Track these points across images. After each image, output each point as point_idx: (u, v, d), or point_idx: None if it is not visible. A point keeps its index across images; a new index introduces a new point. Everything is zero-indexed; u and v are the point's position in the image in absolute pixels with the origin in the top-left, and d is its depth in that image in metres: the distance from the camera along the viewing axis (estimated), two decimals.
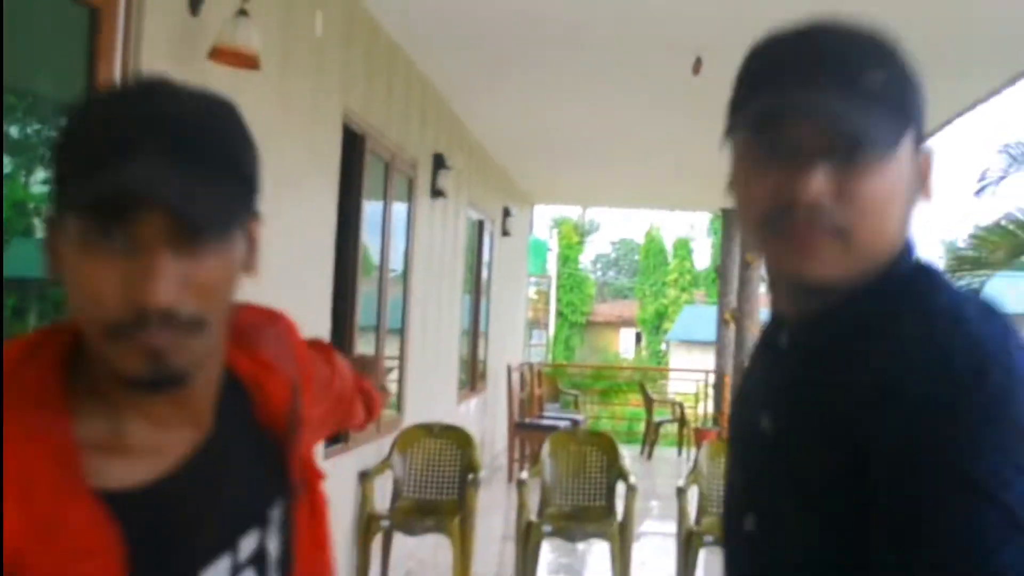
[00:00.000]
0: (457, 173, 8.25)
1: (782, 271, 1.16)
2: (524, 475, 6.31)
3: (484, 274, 11.03)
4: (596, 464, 6.29)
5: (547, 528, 5.90)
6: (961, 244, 12.36)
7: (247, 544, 1.12)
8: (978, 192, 10.71)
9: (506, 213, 12.04)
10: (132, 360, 0.97)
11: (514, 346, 13.60)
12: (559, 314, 30.28)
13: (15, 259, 2.81)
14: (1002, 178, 10.25)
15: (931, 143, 1.16)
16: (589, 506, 6.17)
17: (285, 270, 4.35)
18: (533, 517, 5.95)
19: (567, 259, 32.99)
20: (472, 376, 10.42)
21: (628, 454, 6.56)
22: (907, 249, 1.15)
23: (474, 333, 10.59)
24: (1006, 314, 1.07)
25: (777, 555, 1.16)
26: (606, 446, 6.40)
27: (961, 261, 10.26)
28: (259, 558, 1.14)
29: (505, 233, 12.01)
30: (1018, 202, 9.72)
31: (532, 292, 22.78)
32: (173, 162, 0.95)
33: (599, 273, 47.89)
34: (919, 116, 1.13)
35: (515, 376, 11.72)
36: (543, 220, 36.51)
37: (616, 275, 49.50)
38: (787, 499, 1.14)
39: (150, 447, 1.05)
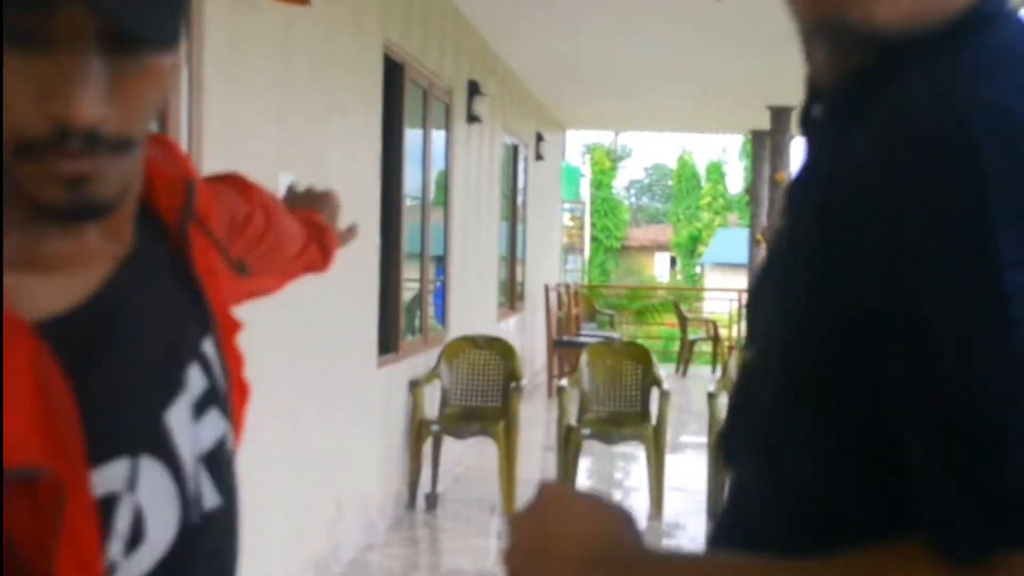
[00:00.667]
0: (491, 99, 8.53)
1: (829, 17, 0.88)
2: (564, 383, 6.70)
3: (519, 199, 11.35)
4: (632, 373, 6.67)
5: (586, 432, 6.31)
6: None
7: (195, 380, 0.98)
8: None
9: (539, 138, 12.30)
10: (49, 188, 0.83)
11: (550, 269, 13.95)
12: (594, 239, 30.55)
13: None
14: None
15: None
16: (626, 411, 6.56)
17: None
18: (573, 422, 6.34)
19: (600, 184, 33.13)
20: (511, 296, 10.80)
21: (664, 371, 6.91)
22: (980, 10, 0.87)
23: (511, 257, 10.95)
24: None
25: (775, 391, 0.88)
26: (641, 356, 6.77)
27: None
28: (213, 395, 1.00)
29: (539, 158, 12.29)
30: None
31: (567, 218, 23.05)
32: None
33: (633, 199, 47.98)
34: None
35: (552, 296, 12.09)
36: (575, 147, 36.64)
37: (650, 200, 49.56)
38: (779, 331, 0.90)
39: (73, 261, 0.91)
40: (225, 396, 1.02)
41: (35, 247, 0.88)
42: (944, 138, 0.73)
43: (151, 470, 0.91)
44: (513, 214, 11.01)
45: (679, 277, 35.82)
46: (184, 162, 1.10)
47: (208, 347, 1.01)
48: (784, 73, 7.88)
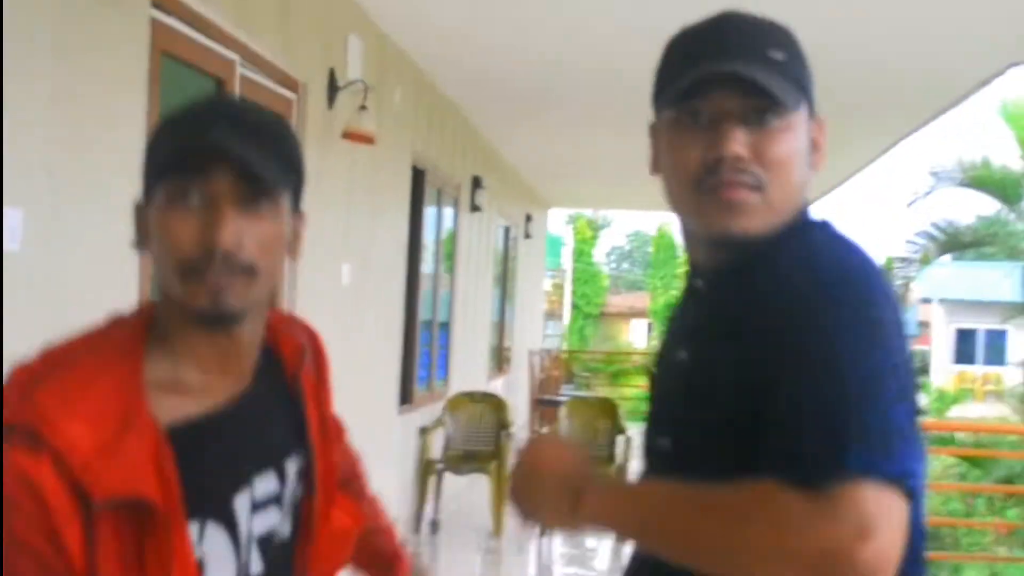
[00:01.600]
0: (490, 190, 10.02)
1: (711, 226, 1.34)
2: (545, 430, 8.11)
3: (509, 272, 12.82)
4: (603, 422, 8.10)
5: None
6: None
7: (264, 484, 1.31)
8: (910, 204, 12.67)
9: (528, 219, 13.80)
10: (200, 297, 1.21)
11: (533, 335, 15.40)
12: (574, 306, 31.87)
13: None
14: (928, 193, 12.23)
15: (820, 116, 1.38)
16: (596, 455, 7.96)
17: (377, 278, 6.17)
18: None
19: (581, 253, 34.37)
20: (499, 359, 12.22)
21: (634, 427, 8.30)
22: (804, 211, 1.37)
23: (501, 324, 12.39)
24: (865, 251, 1.30)
25: (689, 468, 1.29)
26: (610, 410, 8.22)
27: (897, 260, 12.39)
28: (277, 498, 1.33)
29: (527, 236, 13.78)
30: (942, 213, 11.87)
31: (547, 285, 24.39)
32: (239, 135, 1.21)
33: (613, 265, 49.48)
34: (811, 91, 1.35)
35: (535, 359, 13.52)
36: (559, 215, 38.11)
37: (630, 267, 51.09)
38: (700, 419, 1.32)
39: (201, 389, 1.27)
40: (290, 503, 1.35)
41: (177, 377, 1.26)
42: (837, 278, 1.24)
43: (216, 532, 1.24)
44: (503, 286, 12.47)
45: (655, 342, 37.12)
46: (308, 331, 1.50)
47: (291, 463, 1.35)
48: None
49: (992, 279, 21.91)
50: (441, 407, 8.05)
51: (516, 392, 13.19)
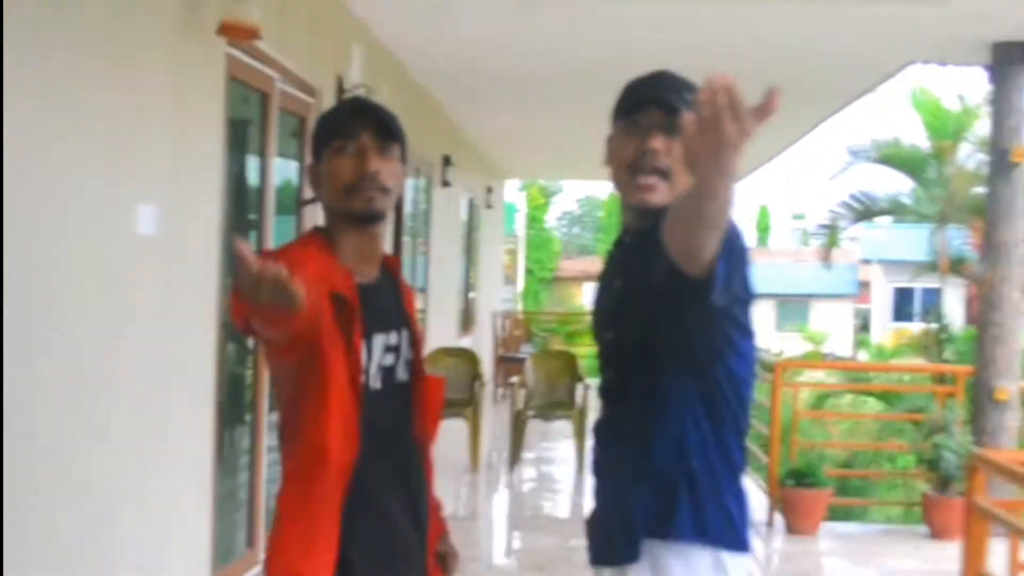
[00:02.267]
0: (457, 166, 11.05)
1: (632, 201, 2.13)
2: (514, 379, 9.22)
3: (473, 241, 13.88)
4: (565, 373, 9.21)
5: (531, 413, 8.83)
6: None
7: (391, 336, 2.17)
8: (831, 178, 14.09)
9: (488, 190, 14.85)
10: (358, 203, 2.08)
11: (494, 297, 16.50)
12: (527, 271, 32.90)
13: None
14: (846, 169, 13.65)
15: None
16: (559, 400, 9.10)
17: None
18: (520, 407, 8.86)
19: (534, 220, 35.28)
20: (467, 320, 13.31)
21: (588, 380, 9.41)
22: None
23: (466, 287, 13.46)
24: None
25: (623, 347, 2.18)
26: (570, 361, 9.33)
27: (820, 226, 14.01)
28: (395, 348, 2.17)
29: (488, 206, 14.84)
30: (858, 186, 13.31)
31: (503, 251, 25.37)
32: (376, 115, 2.14)
33: (564, 230, 50.55)
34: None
35: (497, 320, 14.62)
36: (512, 183, 38.98)
37: (581, 231, 52.21)
38: (631, 318, 2.14)
39: (358, 273, 2.13)
40: (403, 356, 2.19)
41: (349, 260, 2.14)
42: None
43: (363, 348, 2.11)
44: (468, 253, 13.53)
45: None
46: (398, 259, 2.50)
47: (403, 331, 2.22)
48: None
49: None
50: None
51: (481, 349, 14.26)
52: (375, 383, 2.10)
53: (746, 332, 2.09)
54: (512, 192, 33.81)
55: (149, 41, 3.63)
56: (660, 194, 2.08)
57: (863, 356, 29.07)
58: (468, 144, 12.43)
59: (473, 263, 13.89)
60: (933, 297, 31.83)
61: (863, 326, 35.98)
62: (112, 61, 3.35)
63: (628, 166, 2.11)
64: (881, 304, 34.69)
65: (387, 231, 2.24)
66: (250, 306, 1.83)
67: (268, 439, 5.07)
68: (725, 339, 2.06)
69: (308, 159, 2.23)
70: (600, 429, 2.31)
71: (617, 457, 2.21)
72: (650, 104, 2.10)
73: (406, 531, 2.16)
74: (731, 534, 2.12)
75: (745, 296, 1.99)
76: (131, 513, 3.57)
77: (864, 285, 36.27)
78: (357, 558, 2.04)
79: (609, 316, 2.27)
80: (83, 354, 3.24)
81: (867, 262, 34.87)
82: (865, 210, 13.35)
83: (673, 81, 2.14)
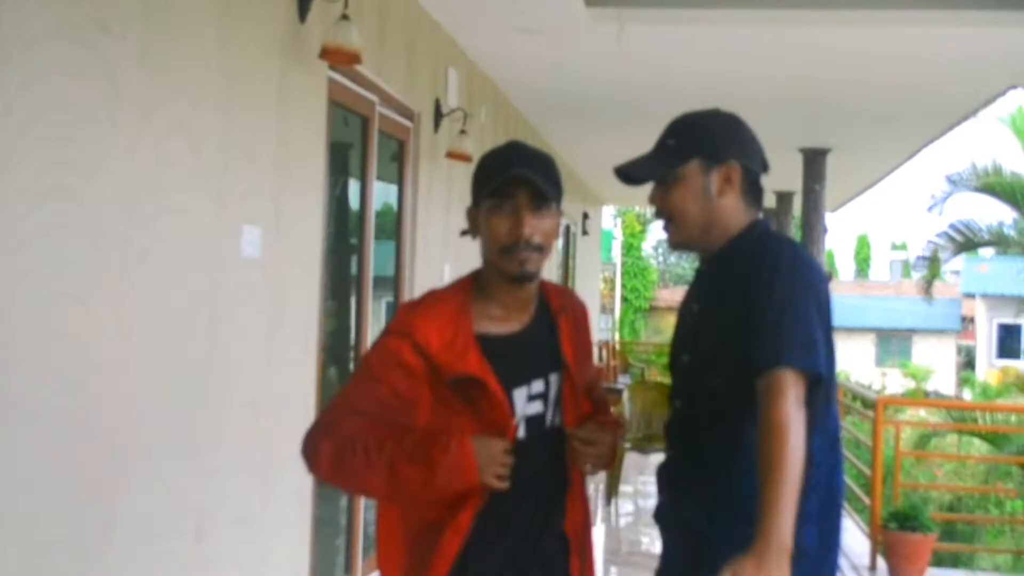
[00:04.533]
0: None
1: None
2: (612, 409, 9.09)
3: (570, 268, 13.78)
4: (660, 403, 9.04)
5: (627, 446, 8.68)
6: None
7: (536, 385, 2.16)
8: (930, 208, 13.63)
9: (585, 216, 14.76)
10: (512, 266, 2.09)
11: (592, 327, 16.33)
12: (624, 299, 32.68)
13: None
14: (946, 198, 13.18)
15: (728, 163, 2.32)
16: (656, 433, 8.94)
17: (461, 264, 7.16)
18: None
19: (630, 248, 35.10)
20: None
21: None
22: (754, 225, 2.31)
23: None
24: (803, 247, 2.32)
25: (701, 373, 2.25)
26: (667, 392, 9.10)
27: (919, 258, 13.45)
28: (543, 396, 2.17)
29: (584, 233, 14.74)
30: (958, 215, 12.87)
31: (599, 279, 25.19)
32: (532, 168, 2.09)
33: (660, 259, 50.17)
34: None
35: (595, 351, 14.48)
36: (608, 210, 38.82)
37: (676, 260, 51.72)
38: (707, 342, 2.25)
39: (504, 319, 2.16)
40: (552, 400, 2.20)
41: (492, 313, 2.17)
42: (788, 258, 2.19)
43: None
44: (564, 281, 13.43)
45: None
46: (574, 296, 2.43)
47: (552, 377, 2.20)
48: (785, 167, 10.27)
49: None
50: None
51: None
52: (520, 434, 2.14)
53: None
54: (608, 220, 33.77)
55: (257, 65, 3.65)
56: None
57: (967, 395, 28.15)
58: (564, 169, 12.34)
59: None
60: None
61: (967, 363, 34.88)
62: (224, 84, 3.37)
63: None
64: (985, 340, 33.60)
65: (537, 284, 2.25)
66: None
67: None
68: None
69: (469, 203, 2.24)
70: (667, 474, 2.36)
71: (688, 503, 2.24)
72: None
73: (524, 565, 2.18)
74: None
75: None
76: (230, 533, 3.56)
77: (967, 320, 35.18)
78: None
79: (684, 340, 2.36)
80: (188, 373, 3.24)
81: (969, 296, 33.86)
82: (966, 241, 12.91)
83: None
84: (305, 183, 4.14)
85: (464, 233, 2.24)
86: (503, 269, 2.12)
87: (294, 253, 4.03)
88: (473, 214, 2.20)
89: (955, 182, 12.88)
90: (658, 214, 2.33)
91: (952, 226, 12.76)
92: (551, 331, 2.24)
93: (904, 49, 6.59)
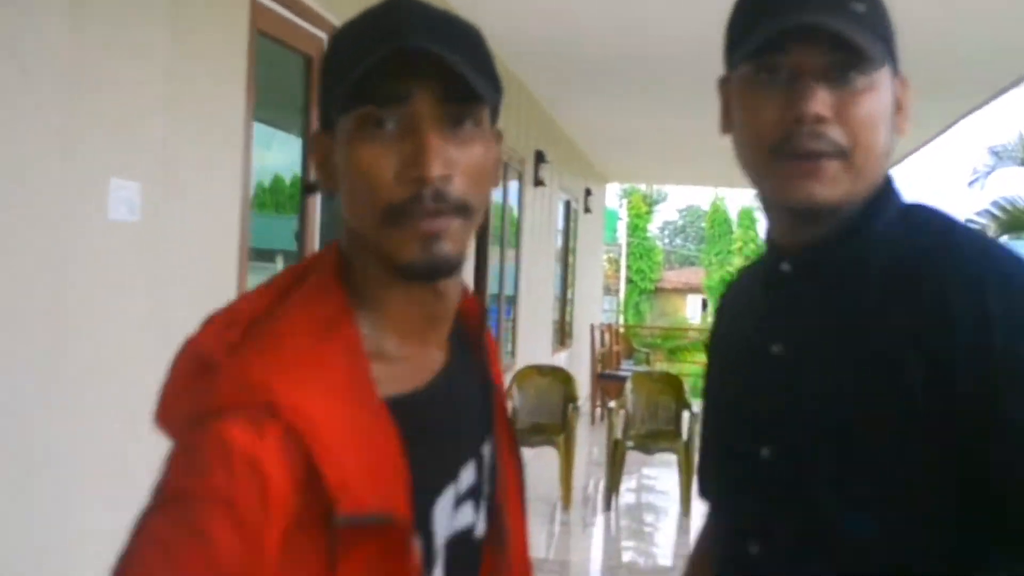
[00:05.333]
0: (551, 164, 10.07)
1: (789, 198, 1.17)
2: (612, 404, 8.19)
3: (570, 247, 12.88)
4: (668, 398, 8.14)
5: (629, 444, 7.78)
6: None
7: (466, 476, 1.10)
8: (970, 183, 12.66)
9: (587, 193, 13.83)
10: (408, 246, 0.99)
11: (594, 309, 15.47)
12: (629, 280, 31.89)
13: None
14: (989, 173, 12.17)
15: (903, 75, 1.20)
16: (662, 430, 8.04)
17: None
18: (619, 436, 7.82)
19: (636, 228, 34.36)
20: (562, 333, 12.31)
21: (697, 403, 8.33)
22: (889, 183, 1.22)
23: (563, 298, 12.46)
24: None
25: (796, 480, 1.16)
26: (675, 385, 8.25)
27: None
28: (474, 489, 1.11)
29: (587, 210, 13.82)
30: (1002, 192, 11.84)
31: (603, 260, 24.44)
32: (441, 40, 0.98)
33: (666, 240, 49.32)
34: (895, 46, 1.18)
35: (597, 334, 13.58)
36: (613, 190, 38.00)
37: (683, 242, 50.89)
38: (816, 426, 1.15)
39: (400, 361, 1.06)
40: (486, 493, 1.14)
41: (382, 345, 1.04)
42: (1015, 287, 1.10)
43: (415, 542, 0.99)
44: (564, 260, 12.54)
45: (710, 319, 36.92)
46: (476, 300, 1.26)
47: (486, 449, 1.15)
48: None
49: None
50: (509, 380, 8.14)
51: (578, 366, 13.25)
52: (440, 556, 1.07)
53: None
54: (613, 199, 32.98)
55: None
56: (833, 183, 1.15)
57: None
58: (564, 141, 11.45)
59: (570, 271, 12.89)
60: None
61: None
62: None
63: (770, 143, 1.17)
64: None
65: (460, 285, 1.16)
66: None
67: None
68: None
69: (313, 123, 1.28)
70: None
71: None
72: (798, 38, 1.13)
73: None
74: None
75: None
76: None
77: None
78: None
79: (756, 416, 1.24)
80: (24, 371, 2.35)
81: None
82: (1012, 220, 11.93)
83: None
84: (214, 131, 3.24)
85: (311, 189, 1.22)
86: (391, 256, 1.02)
87: (196, 217, 3.13)
88: (324, 144, 1.08)
89: (999, 155, 11.91)
90: (812, 133, 1.13)
91: (995, 203, 11.77)
92: (477, 366, 1.20)
93: (944, 12, 5.78)
